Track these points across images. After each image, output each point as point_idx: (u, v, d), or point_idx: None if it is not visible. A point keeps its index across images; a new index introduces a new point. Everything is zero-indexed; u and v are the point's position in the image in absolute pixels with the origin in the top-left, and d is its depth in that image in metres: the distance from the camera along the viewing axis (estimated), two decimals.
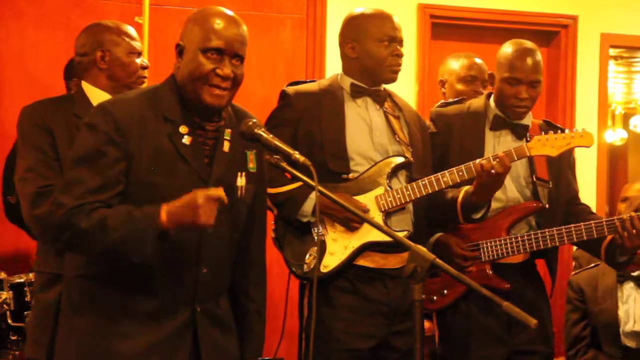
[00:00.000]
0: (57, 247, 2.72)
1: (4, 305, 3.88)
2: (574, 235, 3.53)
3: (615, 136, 10.60)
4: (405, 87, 5.24)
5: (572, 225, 3.53)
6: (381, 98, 3.50)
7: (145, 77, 3.42)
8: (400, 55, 3.47)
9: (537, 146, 3.46)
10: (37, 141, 3.24)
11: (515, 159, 3.44)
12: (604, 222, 3.51)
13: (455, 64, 4.68)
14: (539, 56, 3.60)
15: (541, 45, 5.95)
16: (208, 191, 2.46)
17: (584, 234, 3.52)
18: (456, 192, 3.48)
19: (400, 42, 3.47)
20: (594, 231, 3.51)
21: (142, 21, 4.49)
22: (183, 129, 2.57)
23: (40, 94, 3.72)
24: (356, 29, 3.49)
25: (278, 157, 2.55)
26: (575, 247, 5.19)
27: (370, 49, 3.45)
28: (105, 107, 2.56)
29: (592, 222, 3.53)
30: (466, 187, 3.45)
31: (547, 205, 3.60)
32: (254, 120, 2.61)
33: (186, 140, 2.57)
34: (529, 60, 3.56)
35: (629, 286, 4.61)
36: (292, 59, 5.41)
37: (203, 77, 2.54)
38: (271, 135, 2.57)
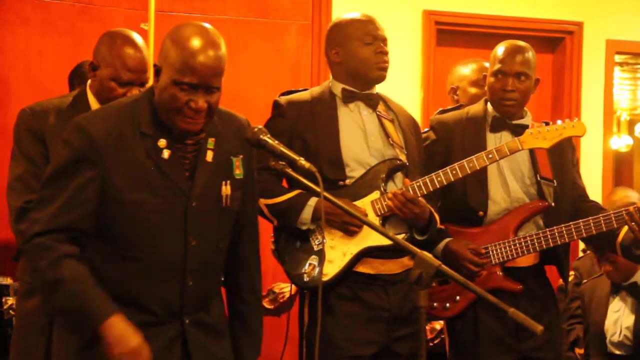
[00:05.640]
0: None
1: (11, 311, 3.87)
2: (583, 231, 3.50)
3: (621, 143, 10.60)
4: (410, 94, 5.24)
5: (581, 220, 3.51)
6: (373, 102, 3.49)
7: None
8: (384, 53, 3.44)
9: (529, 139, 3.46)
10: (29, 149, 3.23)
11: (508, 153, 3.45)
12: (612, 215, 3.49)
13: (465, 70, 4.68)
14: (528, 54, 3.62)
15: (546, 52, 5.97)
16: (143, 350, 2.41)
17: (593, 228, 3.50)
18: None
19: (383, 40, 3.45)
20: (603, 224, 3.49)
21: (148, 28, 4.49)
22: (162, 143, 2.51)
23: None
24: (338, 34, 3.50)
25: (283, 163, 2.54)
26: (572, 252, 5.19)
27: (353, 51, 3.45)
28: (81, 124, 2.49)
29: (600, 215, 3.51)
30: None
31: (553, 204, 3.60)
32: (260, 126, 2.60)
33: (165, 154, 2.52)
34: (516, 55, 3.60)
35: (620, 297, 4.61)
36: (296, 65, 5.42)
37: (176, 108, 2.48)
38: (276, 142, 2.56)
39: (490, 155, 3.43)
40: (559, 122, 3.51)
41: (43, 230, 2.45)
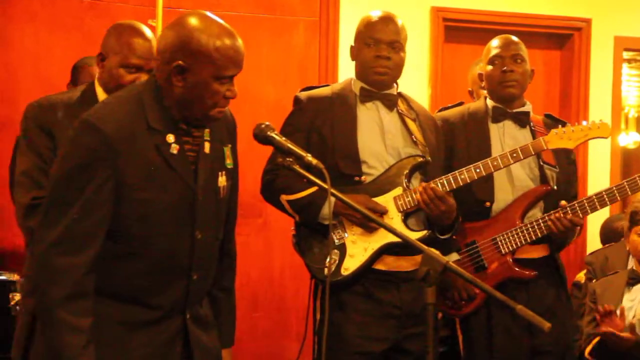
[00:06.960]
0: None
1: (17, 307, 3.87)
2: (588, 208, 3.56)
3: (629, 139, 10.56)
4: (418, 90, 5.23)
5: (584, 198, 3.57)
6: (391, 102, 3.49)
7: None
8: (381, 57, 3.42)
9: (554, 139, 3.48)
10: (37, 144, 3.17)
11: (533, 153, 3.48)
12: (614, 189, 3.56)
13: None
14: (522, 44, 3.73)
15: (555, 49, 5.96)
16: None
17: (597, 204, 3.56)
18: None
19: (388, 43, 3.42)
20: (607, 200, 3.55)
21: (156, 24, 4.50)
22: (170, 138, 2.48)
23: None
24: (356, 33, 3.53)
25: (291, 159, 2.55)
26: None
27: (358, 52, 3.49)
28: (91, 122, 2.41)
29: (602, 190, 3.57)
30: None
31: (555, 187, 3.63)
32: (267, 123, 2.60)
33: (173, 149, 2.49)
34: (510, 42, 3.72)
35: (637, 287, 4.62)
36: (304, 62, 5.42)
37: (215, 102, 2.47)
38: (284, 138, 2.57)
39: (514, 155, 3.45)
40: (584, 122, 3.53)
41: (61, 239, 2.38)
